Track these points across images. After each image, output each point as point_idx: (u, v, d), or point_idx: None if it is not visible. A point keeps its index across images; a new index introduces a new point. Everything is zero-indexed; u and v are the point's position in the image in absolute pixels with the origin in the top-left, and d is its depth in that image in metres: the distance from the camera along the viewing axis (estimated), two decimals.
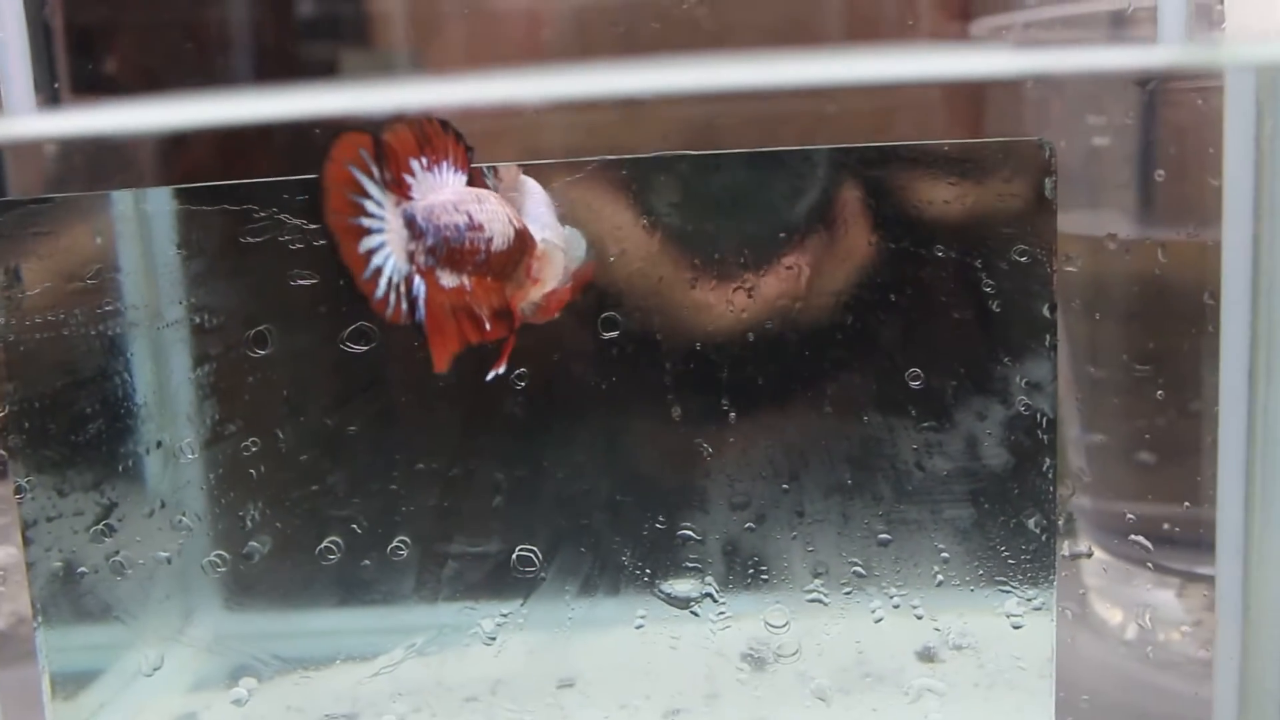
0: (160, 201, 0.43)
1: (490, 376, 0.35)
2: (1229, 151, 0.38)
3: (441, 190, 0.33)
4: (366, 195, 0.30)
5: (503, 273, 0.34)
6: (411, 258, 0.31)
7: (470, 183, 0.34)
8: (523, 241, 0.35)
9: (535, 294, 0.36)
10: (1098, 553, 0.48)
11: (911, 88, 0.54)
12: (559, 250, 0.37)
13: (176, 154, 0.51)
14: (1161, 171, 0.47)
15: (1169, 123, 0.47)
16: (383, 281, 0.30)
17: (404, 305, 0.31)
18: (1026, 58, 0.36)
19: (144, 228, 0.43)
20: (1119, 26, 0.48)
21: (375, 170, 0.30)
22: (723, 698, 0.44)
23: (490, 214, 0.34)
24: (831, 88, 0.43)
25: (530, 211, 0.38)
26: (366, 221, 0.30)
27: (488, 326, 0.33)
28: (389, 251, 0.30)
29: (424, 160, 0.32)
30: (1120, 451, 0.48)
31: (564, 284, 0.38)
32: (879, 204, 0.42)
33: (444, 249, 0.32)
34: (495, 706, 0.44)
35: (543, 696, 0.44)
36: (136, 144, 0.49)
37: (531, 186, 0.39)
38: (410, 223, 0.31)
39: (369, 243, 0.30)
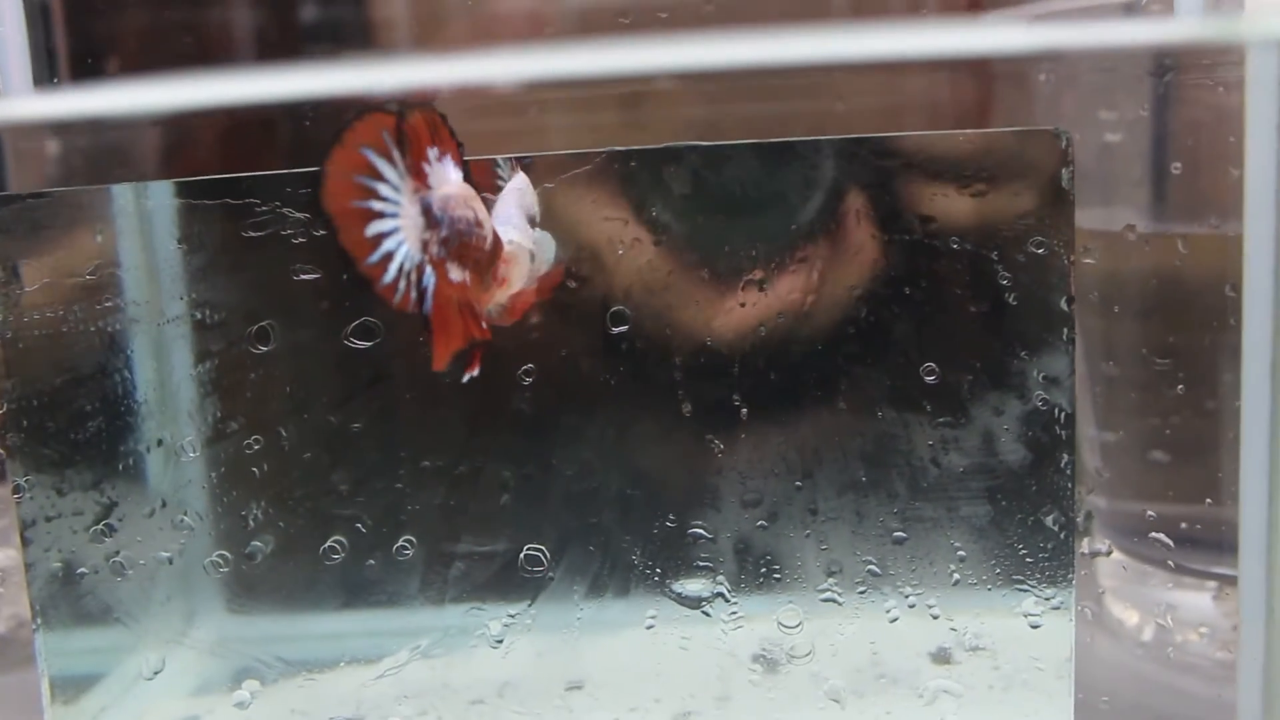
0: (161, 196, 0.42)
1: (466, 379, 0.34)
2: (1250, 137, 0.37)
3: (448, 183, 0.32)
4: (381, 179, 0.29)
5: (482, 272, 0.34)
6: (425, 247, 0.30)
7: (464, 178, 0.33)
8: (497, 242, 0.35)
9: (500, 296, 0.36)
10: (1116, 552, 0.47)
11: (920, 85, 0.53)
12: (526, 252, 0.37)
13: (180, 150, 0.50)
14: (1178, 164, 0.47)
15: (1188, 113, 0.46)
16: (393, 267, 0.30)
17: (413, 294, 0.30)
18: (1041, 34, 0.35)
19: (144, 222, 0.42)
20: (1131, 15, 0.47)
21: (396, 154, 0.30)
22: (734, 700, 0.43)
23: (484, 212, 0.33)
24: (840, 65, 0.42)
25: (499, 213, 0.37)
26: (379, 205, 0.29)
27: (484, 325, 0.33)
28: (402, 238, 0.30)
29: (435, 150, 0.32)
30: (1139, 449, 0.47)
31: (529, 287, 0.37)
32: (892, 196, 0.41)
33: (456, 242, 0.31)
34: (502, 709, 0.43)
35: (551, 699, 0.43)
36: (136, 137, 0.48)
37: (509, 186, 0.38)
38: (427, 211, 0.31)
39: (380, 226, 0.29)
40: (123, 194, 0.42)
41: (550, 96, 0.50)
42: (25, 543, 0.42)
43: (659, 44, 0.30)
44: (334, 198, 0.28)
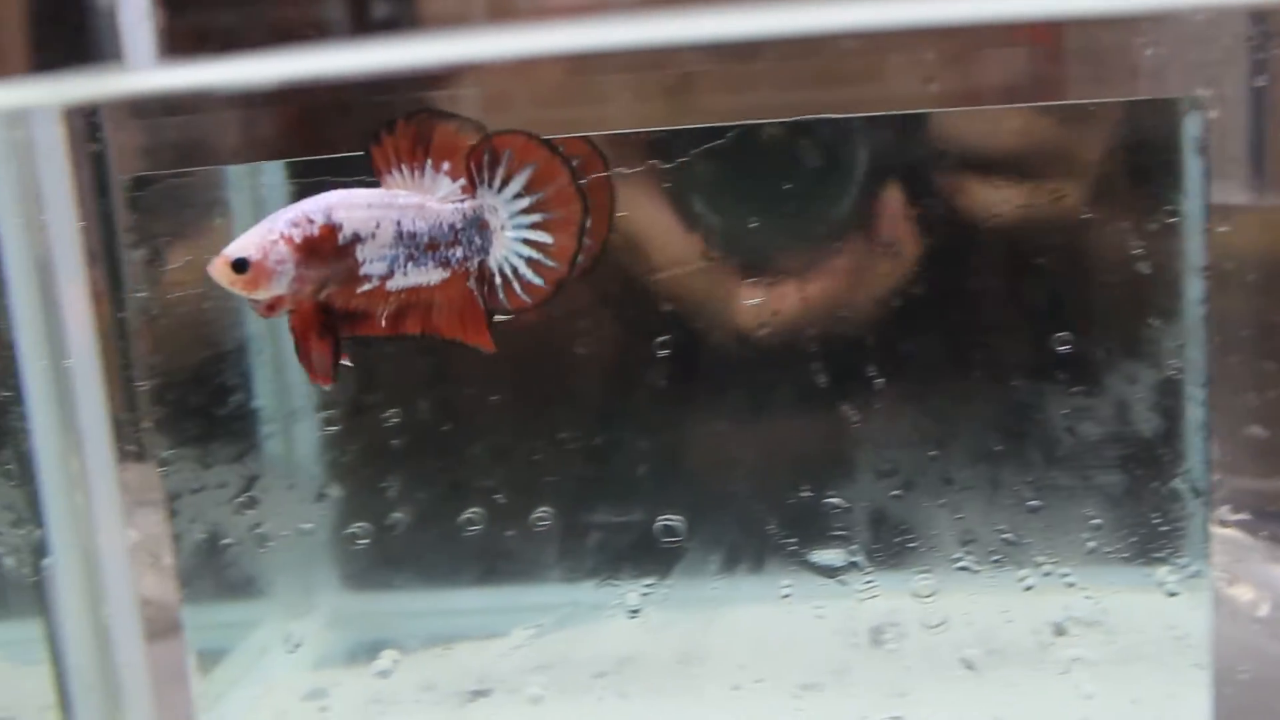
0: (295, 173, 0.43)
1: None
2: None
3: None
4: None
5: None
6: None
7: None
8: None
9: None
10: (1249, 524, 0.47)
11: (1020, 61, 0.53)
12: None
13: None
14: None
15: None
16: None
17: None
18: None
19: (281, 199, 0.43)
20: None
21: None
22: (866, 670, 0.43)
23: None
24: (942, 31, 0.42)
25: None
26: None
27: None
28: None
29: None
30: (1267, 421, 0.47)
31: None
32: (1022, 166, 0.41)
33: None
34: (629, 681, 0.44)
35: (681, 670, 0.44)
36: (266, 115, 0.49)
37: None
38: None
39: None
40: (260, 171, 0.43)
41: (611, 77, 0.50)
42: (172, 515, 0.43)
43: (715, 13, 0.30)
44: None
